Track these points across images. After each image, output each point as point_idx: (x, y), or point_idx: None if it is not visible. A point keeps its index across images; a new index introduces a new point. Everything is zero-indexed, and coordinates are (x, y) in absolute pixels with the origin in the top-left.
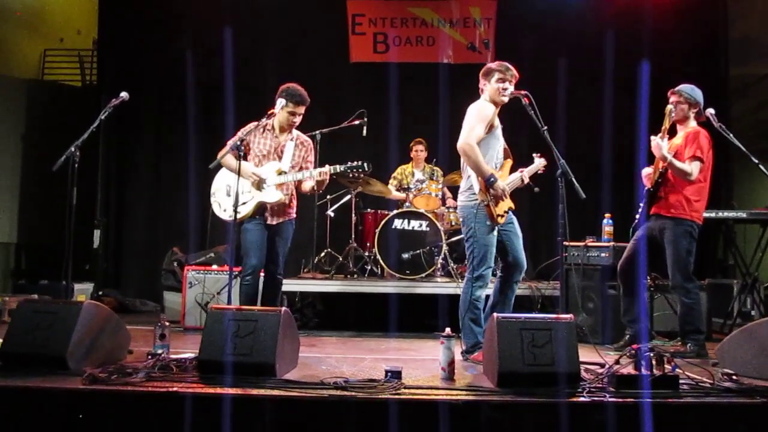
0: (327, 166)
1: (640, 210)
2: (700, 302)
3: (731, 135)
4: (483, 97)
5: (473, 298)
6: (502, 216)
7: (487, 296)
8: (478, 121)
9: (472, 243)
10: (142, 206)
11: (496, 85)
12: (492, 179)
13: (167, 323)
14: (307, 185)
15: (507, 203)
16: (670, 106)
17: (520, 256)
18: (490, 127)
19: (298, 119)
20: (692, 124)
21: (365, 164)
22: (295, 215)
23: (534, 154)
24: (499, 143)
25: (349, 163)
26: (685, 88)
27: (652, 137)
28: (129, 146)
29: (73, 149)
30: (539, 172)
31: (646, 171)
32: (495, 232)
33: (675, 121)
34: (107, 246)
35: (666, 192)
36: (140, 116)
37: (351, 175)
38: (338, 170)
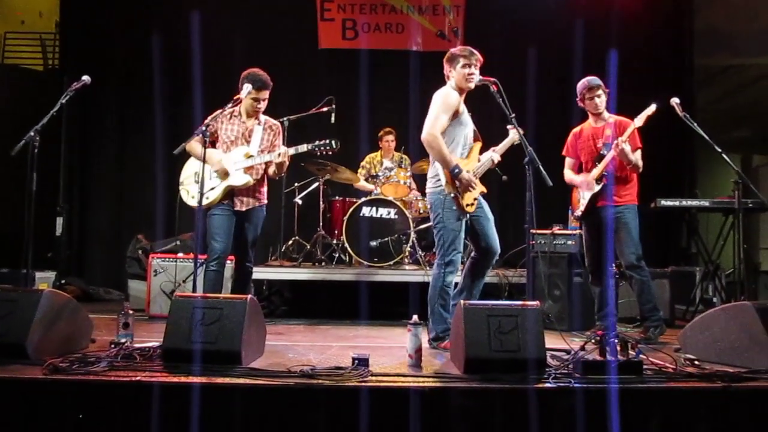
0: (292, 147)
1: (582, 207)
2: (650, 278)
3: (695, 124)
4: (449, 83)
5: (444, 284)
6: (471, 205)
7: (456, 283)
8: (442, 111)
9: (440, 229)
10: (106, 193)
11: (462, 71)
12: (456, 170)
13: (131, 311)
14: (270, 169)
15: (476, 191)
16: (652, 107)
17: (492, 240)
18: (456, 114)
19: (262, 104)
20: (607, 114)
21: (333, 141)
22: (265, 201)
23: (508, 126)
24: (467, 129)
25: (317, 141)
26: (594, 79)
27: (623, 144)
28: (92, 131)
29: (32, 134)
30: (513, 144)
31: (590, 176)
32: (464, 218)
33: (597, 113)
34: (71, 233)
35: (612, 182)
36: (104, 100)
37: (318, 153)
38: (306, 149)
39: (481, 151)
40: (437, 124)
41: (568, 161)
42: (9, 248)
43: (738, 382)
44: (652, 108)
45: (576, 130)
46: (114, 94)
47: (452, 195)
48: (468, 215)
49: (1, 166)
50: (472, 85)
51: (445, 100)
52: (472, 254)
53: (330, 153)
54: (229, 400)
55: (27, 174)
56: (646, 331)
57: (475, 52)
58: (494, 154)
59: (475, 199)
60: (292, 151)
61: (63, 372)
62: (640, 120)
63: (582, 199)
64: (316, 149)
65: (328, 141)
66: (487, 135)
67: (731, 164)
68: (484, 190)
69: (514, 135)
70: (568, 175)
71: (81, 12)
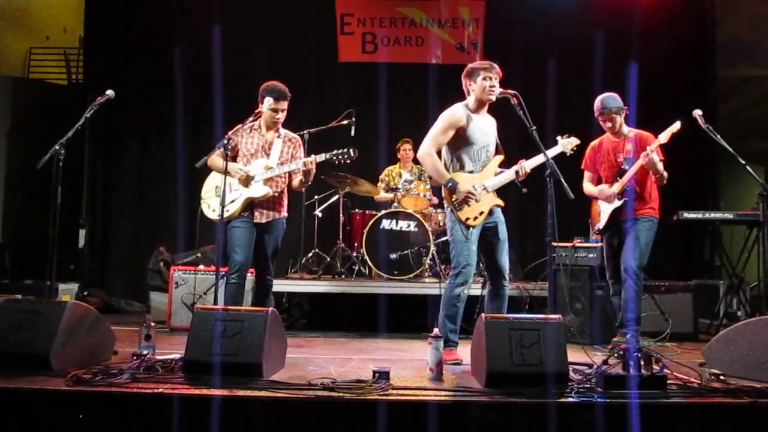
0: (312, 155)
1: (603, 221)
2: (642, 291)
3: (718, 136)
4: (469, 98)
5: (452, 295)
6: (476, 218)
7: (475, 297)
8: (441, 130)
9: (450, 242)
10: (128, 205)
11: (483, 83)
12: (450, 184)
13: (153, 323)
14: (296, 180)
15: (481, 205)
16: (677, 125)
17: (499, 261)
18: (460, 131)
19: (281, 115)
20: (626, 128)
21: (351, 150)
22: (285, 213)
23: (558, 137)
24: (477, 145)
25: (335, 150)
26: (609, 102)
27: (652, 154)
28: (116, 145)
29: (57, 147)
30: (569, 151)
31: (611, 191)
32: (474, 231)
33: (616, 132)
34: (93, 245)
35: (633, 197)
36: (127, 114)
37: (337, 162)
38: (324, 158)
39: (507, 165)
40: (434, 143)
41: (587, 175)
42: (33, 260)
43: (765, 398)
44: (677, 126)
45: (594, 143)
46: (137, 108)
47: (451, 209)
48: (475, 229)
49: (27, 179)
50: (493, 98)
51: (446, 119)
52: (487, 281)
53: (348, 161)
54: (250, 413)
55: (52, 187)
56: (622, 337)
57: (495, 65)
58: (521, 166)
59: (481, 213)
60: (318, 158)
61: (86, 383)
62: (664, 137)
63: (602, 212)
64: (335, 158)
65: (346, 150)
66: (507, 148)
67: (755, 176)
68: (500, 203)
69: (554, 150)
70: (588, 187)
71: (105, 27)
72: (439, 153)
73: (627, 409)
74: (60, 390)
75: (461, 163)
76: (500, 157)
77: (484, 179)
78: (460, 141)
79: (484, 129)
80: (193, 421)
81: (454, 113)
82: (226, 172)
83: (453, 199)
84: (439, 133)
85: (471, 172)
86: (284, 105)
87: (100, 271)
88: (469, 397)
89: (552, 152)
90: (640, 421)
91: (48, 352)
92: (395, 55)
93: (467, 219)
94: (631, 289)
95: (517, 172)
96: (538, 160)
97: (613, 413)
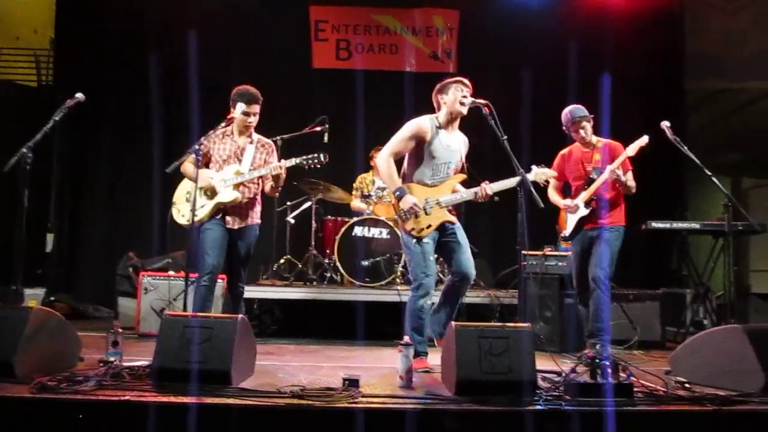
0: (282, 160)
1: (569, 228)
2: (610, 300)
3: (685, 147)
4: (440, 112)
5: (415, 307)
6: (421, 230)
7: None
8: (403, 139)
9: (406, 254)
10: (97, 210)
11: (456, 94)
12: (398, 193)
13: (120, 330)
14: (267, 186)
15: (430, 218)
16: (645, 139)
17: (463, 266)
18: (422, 142)
19: (253, 119)
20: (595, 138)
21: (321, 155)
22: (259, 220)
23: (532, 166)
24: (440, 160)
25: (304, 156)
26: (577, 111)
27: (618, 171)
28: (85, 148)
29: (25, 150)
30: (542, 183)
31: (578, 199)
32: (426, 240)
33: (586, 142)
34: (61, 250)
35: (600, 206)
36: (97, 118)
37: (308, 167)
38: (294, 162)
39: (468, 186)
40: (391, 149)
41: (553, 182)
42: None
43: (728, 405)
44: (645, 140)
45: (564, 151)
46: (107, 111)
47: (398, 217)
48: (429, 239)
49: None
50: (464, 110)
51: (410, 128)
52: (449, 276)
53: (319, 166)
54: (219, 420)
55: (19, 190)
56: (592, 347)
57: (465, 79)
58: (482, 188)
59: (429, 226)
60: (288, 163)
61: (51, 390)
62: (632, 150)
63: (569, 219)
64: (305, 162)
65: (316, 155)
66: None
67: (720, 187)
68: (451, 220)
69: (519, 179)
70: (553, 196)
71: (76, 29)
72: (402, 161)
73: (595, 416)
74: (24, 397)
75: (419, 176)
76: (461, 176)
77: (439, 194)
78: (421, 153)
79: (451, 145)
80: (160, 429)
81: (420, 124)
82: (197, 180)
83: (399, 209)
84: (401, 140)
85: (427, 185)
86: (256, 108)
87: (67, 276)
88: (438, 404)
89: (516, 180)
90: (607, 429)
91: (12, 358)
92: (369, 62)
93: (412, 229)
94: (600, 300)
95: (476, 194)
96: (502, 184)
97: (582, 421)
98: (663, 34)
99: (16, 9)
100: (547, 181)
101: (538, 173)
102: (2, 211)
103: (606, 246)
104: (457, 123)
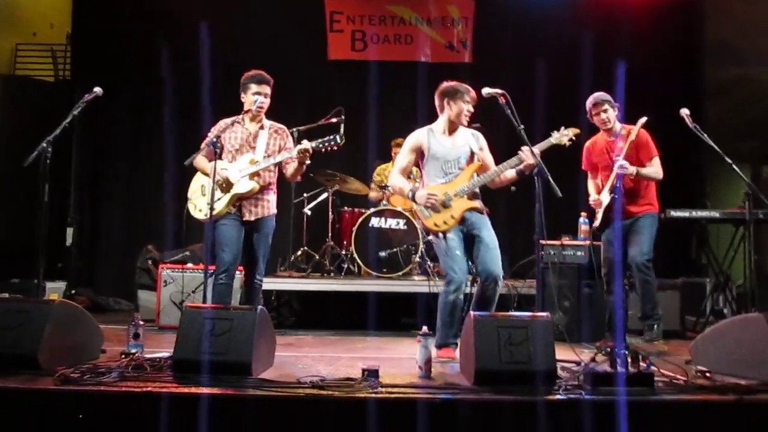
0: (305, 141)
1: (598, 219)
2: (655, 281)
3: (705, 135)
4: (442, 116)
5: (446, 301)
6: (445, 223)
7: (467, 296)
8: (403, 154)
9: (436, 251)
10: (117, 204)
11: (463, 107)
12: (410, 194)
13: (141, 322)
14: (291, 168)
15: (451, 210)
16: (642, 120)
17: (488, 267)
18: (422, 153)
19: (265, 100)
20: (618, 125)
21: (337, 136)
22: (274, 211)
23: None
24: (440, 161)
25: (320, 138)
26: (601, 95)
27: (623, 163)
28: (103, 142)
29: (44, 145)
30: (567, 142)
31: (600, 197)
32: (450, 236)
33: (607, 128)
34: (81, 244)
35: (627, 195)
36: (115, 112)
37: (324, 150)
38: (311, 145)
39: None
40: (397, 166)
41: (590, 175)
42: (20, 258)
43: (751, 395)
44: (642, 120)
45: (588, 144)
46: (125, 105)
47: (420, 218)
48: (453, 234)
49: (13, 177)
50: (465, 124)
51: (407, 143)
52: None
53: (335, 148)
54: (239, 411)
55: (39, 185)
56: (650, 329)
57: (473, 92)
58: (524, 153)
59: (451, 217)
60: (311, 145)
61: (74, 382)
62: (633, 135)
63: (598, 211)
64: (321, 146)
65: (332, 137)
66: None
67: (741, 175)
68: (475, 207)
69: (557, 135)
70: (590, 189)
71: (92, 24)
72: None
73: (614, 406)
74: (48, 389)
75: (432, 179)
76: (475, 165)
77: (456, 186)
78: (426, 159)
79: (456, 143)
80: (182, 420)
81: (415, 136)
82: (214, 172)
83: (416, 208)
84: (402, 156)
85: (442, 183)
86: (267, 89)
87: (88, 270)
88: (457, 395)
89: (544, 145)
90: (627, 419)
91: (36, 351)
92: (385, 53)
93: (435, 225)
94: (646, 283)
95: (517, 164)
96: (546, 143)
97: (601, 410)
98: (681, 23)
99: (33, 5)
100: (572, 139)
101: (558, 137)
102: (23, 206)
103: (643, 232)
104: (457, 128)
